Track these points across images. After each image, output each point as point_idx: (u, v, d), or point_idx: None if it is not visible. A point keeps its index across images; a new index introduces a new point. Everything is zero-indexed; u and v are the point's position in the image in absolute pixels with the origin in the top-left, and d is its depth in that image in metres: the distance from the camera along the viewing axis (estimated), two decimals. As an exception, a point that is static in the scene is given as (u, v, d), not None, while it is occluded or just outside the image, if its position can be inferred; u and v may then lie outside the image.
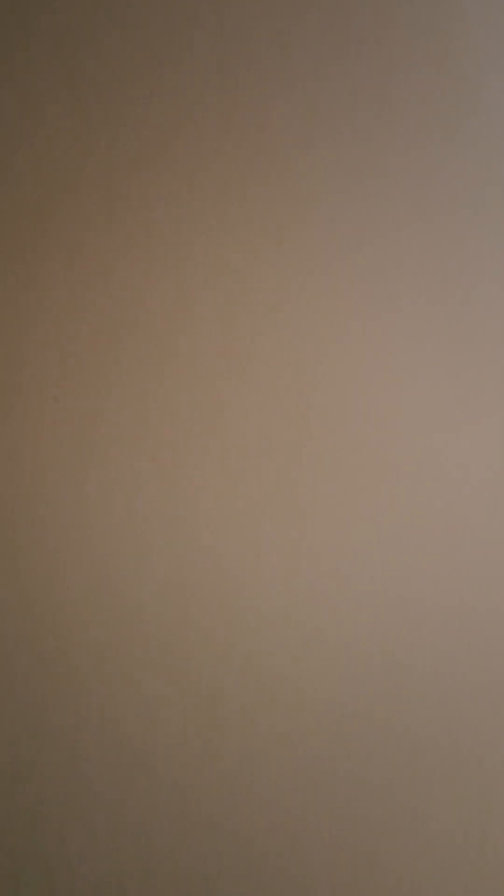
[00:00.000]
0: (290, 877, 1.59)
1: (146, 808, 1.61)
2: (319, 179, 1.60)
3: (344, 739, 1.58)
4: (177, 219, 1.62)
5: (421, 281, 1.59)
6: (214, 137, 1.62)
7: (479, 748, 1.56)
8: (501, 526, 1.57)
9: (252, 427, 1.60)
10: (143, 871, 1.61)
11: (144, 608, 1.61)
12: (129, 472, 1.62)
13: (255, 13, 1.61)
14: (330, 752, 1.58)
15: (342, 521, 1.59)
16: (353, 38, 1.60)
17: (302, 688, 1.59)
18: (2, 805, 1.63)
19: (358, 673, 1.58)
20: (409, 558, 1.58)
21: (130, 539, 1.61)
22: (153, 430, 1.62)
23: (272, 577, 1.59)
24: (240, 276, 1.61)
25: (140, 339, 1.63)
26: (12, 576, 1.63)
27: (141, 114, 1.63)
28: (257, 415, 1.61)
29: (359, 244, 1.60)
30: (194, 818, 1.60)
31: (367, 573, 1.58)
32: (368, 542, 1.58)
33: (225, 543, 1.60)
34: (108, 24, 1.64)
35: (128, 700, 1.61)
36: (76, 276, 1.63)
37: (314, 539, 1.59)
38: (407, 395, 1.59)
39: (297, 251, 1.61)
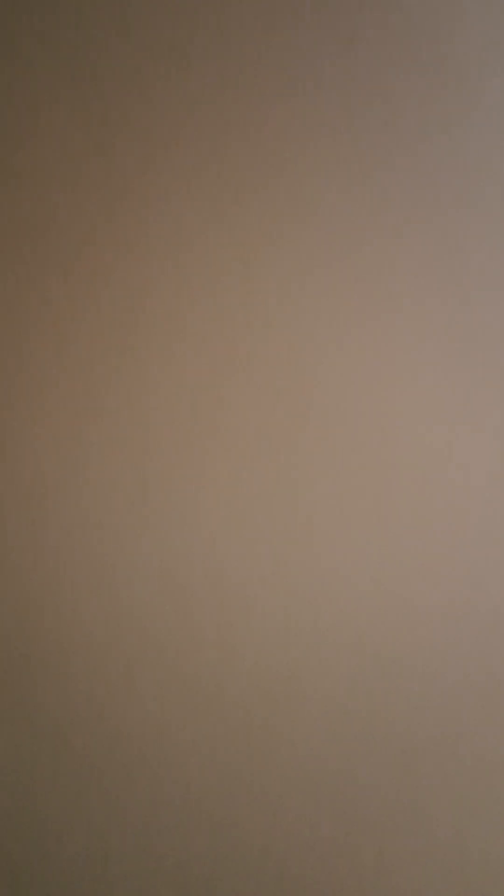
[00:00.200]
0: (291, 876, 1.59)
1: (146, 808, 1.61)
2: (319, 179, 1.60)
3: (344, 738, 1.58)
4: (177, 219, 1.62)
5: (421, 281, 1.59)
6: (214, 138, 1.62)
7: (479, 748, 1.56)
8: (502, 525, 1.57)
9: (252, 427, 1.61)
10: (143, 870, 1.61)
11: (144, 608, 1.61)
12: (129, 472, 1.62)
13: (254, 13, 1.62)
14: (330, 750, 1.58)
15: (342, 520, 1.59)
16: (353, 38, 1.60)
17: (302, 687, 1.59)
18: (2, 805, 1.63)
19: (358, 672, 1.58)
20: (410, 558, 1.58)
21: (130, 539, 1.61)
22: (153, 430, 1.62)
23: (272, 576, 1.59)
24: (240, 276, 1.61)
25: (140, 338, 1.63)
26: (11, 575, 1.63)
27: (141, 114, 1.63)
28: (257, 415, 1.61)
29: (359, 244, 1.60)
30: (194, 817, 1.60)
31: (367, 573, 1.58)
32: (368, 542, 1.58)
33: (225, 543, 1.60)
34: (108, 24, 1.64)
35: (127, 700, 1.61)
36: (76, 276, 1.63)
37: (314, 538, 1.59)
38: (407, 395, 1.59)
39: (297, 251, 1.61)
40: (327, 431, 1.60)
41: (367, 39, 1.60)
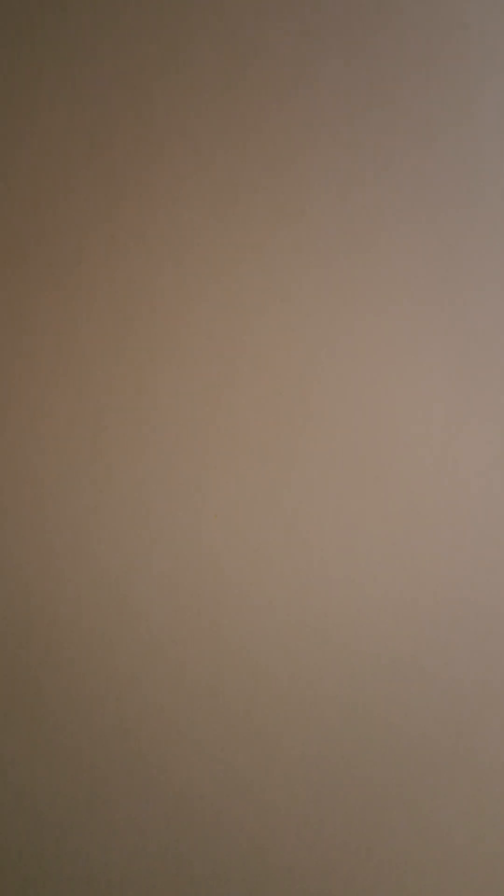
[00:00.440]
0: (292, 876, 1.59)
1: (146, 807, 1.61)
2: (319, 180, 1.60)
3: (344, 738, 1.58)
4: (177, 219, 1.62)
5: (421, 281, 1.59)
6: (214, 139, 1.62)
7: (479, 746, 1.56)
8: (502, 526, 1.57)
9: (252, 427, 1.61)
10: (143, 869, 1.61)
11: (144, 608, 1.61)
12: (129, 472, 1.62)
13: (255, 15, 1.62)
14: (331, 750, 1.58)
15: (342, 521, 1.59)
16: (353, 38, 1.60)
17: (302, 687, 1.59)
18: (1, 804, 1.63)
19: (359, 672, 1.58)
20: (410, 558, 1.58)
21: (130, 539, 1.61)
22: (153, 430, 1.62)
23: (272, 576, 1.59)
24: (240, 276, 1.61)
25: (139, 338, 1.63)
26: (13, 575, 1.63)
27: (140, 115, 1.63)
28: (258, 415, 1.61)
29: (359, 244, 1.60)
30: (195, 816, 1.60)
31: (367, 573, 1.58)
32: (369, 542, 1.58)
33: (225, 543, 1.60)
34: (108, 25, 1.64)
35: (128, 700, 1.61)
36: (76, 276, 1.63)
37: (314, 539, 1.59)
38: (407, 396, 1.59)
39: (296, 251, 1.61)
40: (327, 431, 1.60)
41: (368, 40, 1.60)
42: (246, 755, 1.60)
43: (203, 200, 1.62)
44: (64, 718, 1.62)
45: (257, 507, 1.60)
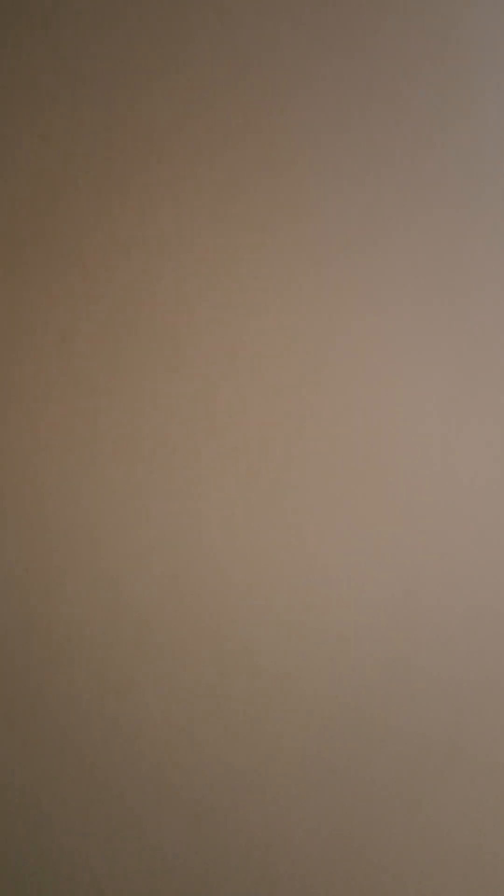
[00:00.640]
0: (292, 875, 1.59)
1: (146, 807, 1.61)
2: (319, 180, 1.60)
3: (344, 738, 1.58)
4: (176, 218, 1.62)
5: (421, 281, 1.59)
6: (214, 138, 1.62)
7: (481, 748, 1.56)
8: (502, 527, 1.57)
9: (252, 427, 1.61)
10: (143, 869, 1.61)
11: (144, 608, 1.61)
12: (129, 472, 1.62)
13: (255, 14, 1.62)
14: (330, 750, 1.58)
15: (342, 521, 1.59)
16: (353, 38, 1.60)
17: (302, 687, 1.59)
18: (1, 804, 1.63)
19: (359, 672, 1.58)
20: (411, 558, 1.58)
21: (130, 539, 1.61)
22: (153, 430, 1.62)
23: (272, 577, 1.59)
24: (239, 277, 1.61)
25: (139, 338, 1.63)
26: (12, 574, 1.63)
27: (140, 114, 1.63)
28: (257, 415, 1.61)
29: (358, 244, 1.60)
30: (195, 816, 1.60)
31: (368, 573, 1.58)
32: (369, 543, 1.58)
33: (225, 543, 1.60)
34: (108, 25, 1.64)
35: (128, 700, 1.61)
36: (76, 275, 1.63)
37: (314, 539, 1.59)
38: (407, 396, 1.59)
39: (297, 251, 1.61)
40: (327, 431, 1.60)
41: (367, 39, 1.60)
42: (246, 755, 1.60)
43: (203, 200, 1.62)
44: (63, 718, 1.62)
45: (257, 507, 1.60)
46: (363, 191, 1.60)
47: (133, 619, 1.61)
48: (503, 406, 1.58)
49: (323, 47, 1.60)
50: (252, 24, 1.61)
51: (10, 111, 1.65)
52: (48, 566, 1.62)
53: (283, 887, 1.59)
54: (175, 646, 1.60)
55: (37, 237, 1.64)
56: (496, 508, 1.57)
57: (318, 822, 1.59)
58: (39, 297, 1.64)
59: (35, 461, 1.63)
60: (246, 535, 1.60)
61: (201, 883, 1.60)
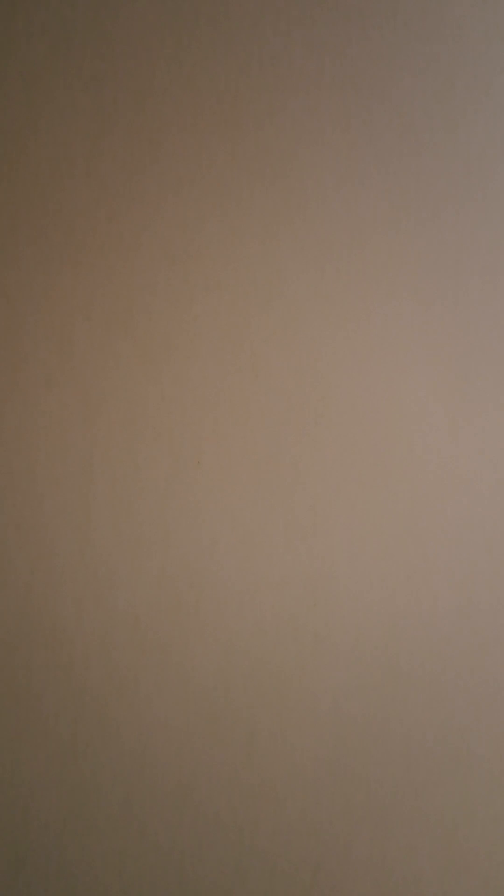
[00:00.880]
0: (291, 876, 1.59)
1: (146, 806, 1.61)
2: (320, 179, 1.60)
3: (344, 738, 1.58)
4: (176, 219, 1.62)
5: (421, 281, 1.59)
6: (215, 139, 1.62)
7: (479, 747, 1.56)
8: (502, 528, 1.57)
9: (252, 427, 1.60)
10: (142, 868, 1.61)
11: (144, 606, 1.61)
12: (130, 470, 1.62)
13: (255, 13, 1.62)
14: (330, 750, 1.58)
15: (344, 521, 1.59)
16: (353, 38, 1.60)
17: (302, 687, 1.59)
18: (1, 803, 1.63)
19: (359, 673, 1.58)
20: (410, 560, 1.58)
21: (130, 538, 1.61)
22: (152, 431, 1.62)
23: (273, 578, 1.59)
24: (239, 277, 1.61)
25: (141, 335, 1.62)
26: (11, 573, 1.63)
27: (141, 113, 1.63)
28: (259, 415, 1.60)
29: (360, 243, 1.60)
30: (195, 816, 1.60)
31: (368, 574, 1.58)
32: (370, 544, 1.58)
33: (225, 543, 1.60)
34: (108, 25, 1.64)
35: (127, 699, 1.61)
36: (77, 273, 1.63)
37: (315, 539, 1.59)
38: (408, 397, 1.59)
39: (296, 251, 1.61)
40: (326, 432, 1.59)
41: (368, 39, 1.60)
42: (245, 756, 1.59)
43: (203, 200, 1.62)
44: (63, 719, 1.62)
45: (257, 507, 1.60)
46: (363, 191, 1.60)
47: (132, 620, 1.61)
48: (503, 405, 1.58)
49: (323, 47, 1.60)
50: (252, 24, 1.61)
51: (10, 110, 1.65)
52: (47, 566, 1.62)
53: (284, 887, 1.59)
54: (173, 643, 1.60)
55: (37, 237, 1.64)
56: (499, 512, 1.57)
57: (318, 823, 1.58)
58: (39, 296, 1.64)
59: (34, 460, 1.63)
60: (246, 535, 1.60)
61: (200, 881, 1.60)
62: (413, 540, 1.58)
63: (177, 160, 1.62)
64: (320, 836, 1.58)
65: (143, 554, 1.61)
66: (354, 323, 1.60)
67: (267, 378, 1.61)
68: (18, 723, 1.62)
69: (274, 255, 1.61)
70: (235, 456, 1.61)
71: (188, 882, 1.60)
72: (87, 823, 1.62)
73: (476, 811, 1.56)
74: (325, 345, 1.60)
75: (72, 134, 1.64)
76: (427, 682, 1.57)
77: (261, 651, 1.59)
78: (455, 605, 1.57)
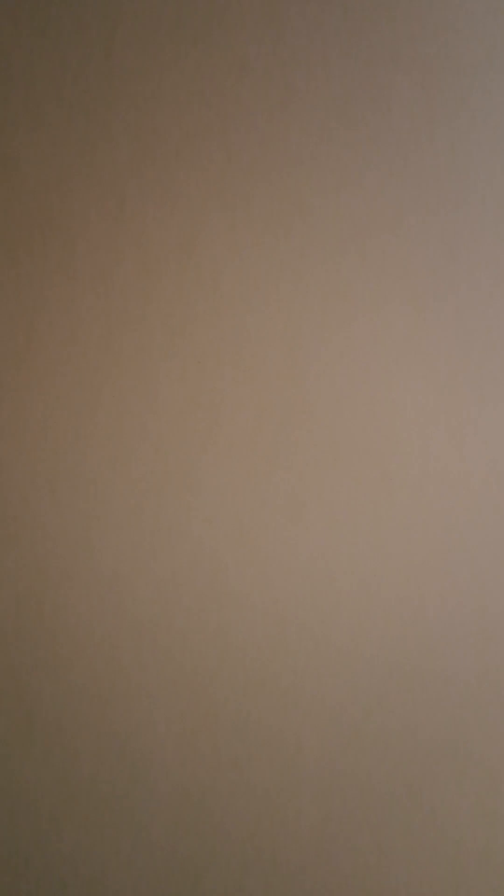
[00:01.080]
0: (290, 875, 1.59)
1: (144, 806, 1.61)
2: (319, 180, 1.60)
3: (343, 739, 1.58)
4: (176, 219, 1.62)
5: (421, 282, 1.59)
6: (214, 139, 1.62)
7: (479, 747, 1.56)
8: (502, 527, 1.57)
9: (251, 427, 1.61)
10: (141, 867, 1.61)
11: (142, 606, 1.61)
12: (128, 469, 1.62)
13: (255, 13, 1.62)
14: (329, 750, 1.58)
15: (342, 521, 1.59)
16: (353, 37, 1.60)
17: (301, 686, 1.59)
18: (1, 804, 1.63)
19: (358, 672, 1.58)
20: (410, 560, 1.58)
21: (129, 537, 1.61)
22: (150, 430, 1.62)
23: (271, 579, 1.59)
24: (238, 276, 1.61)
25: (139, 336, 1.63)
26: (10, 572, 1.63)
27: (141, 113, 1.63)
28: (256, 414, 1.61)
29: (358, 242, 1.60)
30: (194, 817, 1.60)
31: (367, 574, 1.58)
32: (368, 543, 1.59)
33: (223, 542, 1.60)
34: (109, 24, 1.64)
35: (126, 699, 1.61)
36: (76, 274, 1.63)
37: (313, 539, 1.59)
38: (407, 397, 1.59)
39: (296, 251, 1.61)
40: (327, 432, 1.60)
41: (368, 38, 1.60)
42: (247, 756, 1.60)
43: (203, 199, 1.62)
44: (63, 720, 1.62)
45: (256, 509, 1.60)
46: (362, 190, 1.60)
47: (132, 620, 1.61)
48: (502, 404, 1.58)
49: (323, 47, 1.61)
50: (252, 23, 1.62)
51: (10, 109, 1.65)
52: (46, 566, 1.62)
53: (281, 886, 1.59)
54: (172, 642, 1.60)
55: (38, 237, 1.64)
56: (498, 512, 1.57)
57: (320, 823, 1.59)
58: (40, 297, 1.64)
59: (33, 460, 1.63)
60: (246, 534, 1.60)
61: (198, 881, 1.60)
62: (413, 540, 1.58)
63: (177, 158, 1.62)
64: (321, 835, 1.58)
65: (144, 554, 1.61)
66: (354, 323, 1.60)
67: (266, 379, 1.61)
68: (18, 723, 1.62)
69: (273, 253, 1.61)
70: (235, 455, 1.61)
71: (188, 882, 1.60)
72: (87, 823, 1.62)
73: (476, 811, 1.56)
74: (324, 345, 1.60)
75: (73, 132, 1.64)
76: (428, 680, 1.57)
77: (261, 651, 1.59)
78: (455, 603, 1.57)
